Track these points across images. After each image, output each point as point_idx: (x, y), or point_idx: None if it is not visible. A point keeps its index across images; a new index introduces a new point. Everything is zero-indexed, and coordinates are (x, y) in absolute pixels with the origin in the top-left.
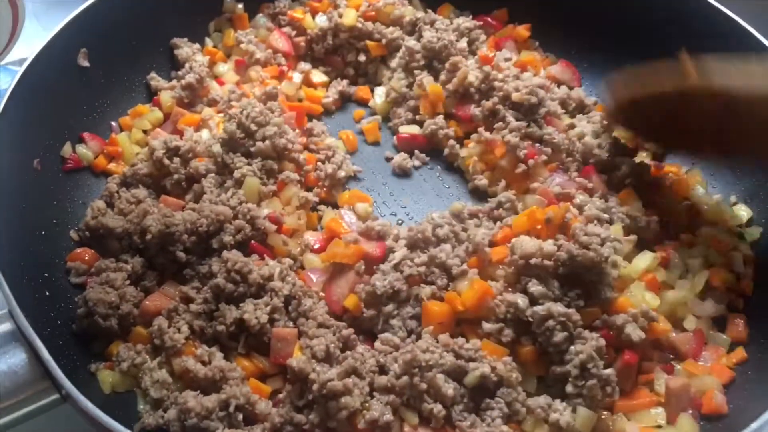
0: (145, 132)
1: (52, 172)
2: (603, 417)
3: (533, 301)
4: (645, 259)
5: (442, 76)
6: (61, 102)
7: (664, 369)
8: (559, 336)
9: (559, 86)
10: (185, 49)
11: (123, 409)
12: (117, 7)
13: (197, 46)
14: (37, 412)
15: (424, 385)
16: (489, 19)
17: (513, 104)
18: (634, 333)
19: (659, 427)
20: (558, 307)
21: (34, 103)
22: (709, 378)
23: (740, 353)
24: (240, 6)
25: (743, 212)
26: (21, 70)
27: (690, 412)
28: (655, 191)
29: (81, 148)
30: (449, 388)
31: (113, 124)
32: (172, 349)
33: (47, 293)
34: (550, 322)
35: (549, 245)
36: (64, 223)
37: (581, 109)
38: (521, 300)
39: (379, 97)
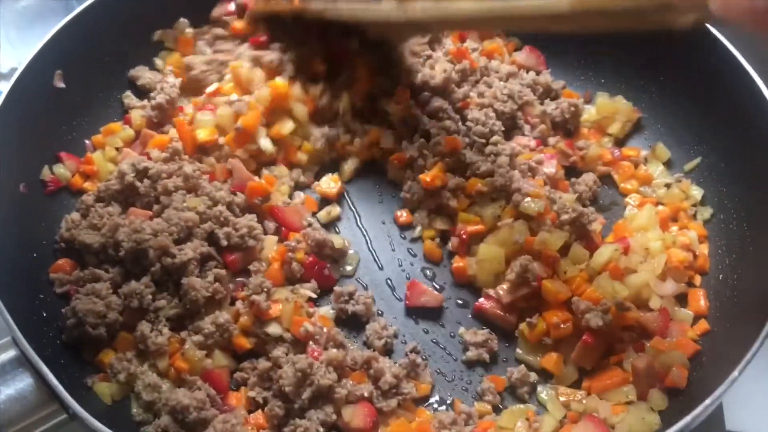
0: (117, 149)
1: (37, 194)
2: (577, 399)
3: None
4: (606, 251)
5: None
6: (41, 125)
7: (635, 348)
8: None
9: (527, 72)
10: (146, 76)
11: (124, 417)
12: (89, 27)
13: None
14: None
15: None
16: None
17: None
18: (593, 320)
19: (630, 402)
20: None
21: (16, 129)
22: (675, 353)
23: (703, 325)
24: (188, 30)
25: (696, 192)
26: (1, 98)
27: (658, 387)
28: None
29: (59, 168)
30: None
31: (87, 142)
32: (157, 353)
33: (44, 314)
34: None
35: None
36: (51, 244)
37: (548, 93)
38: None
39: None
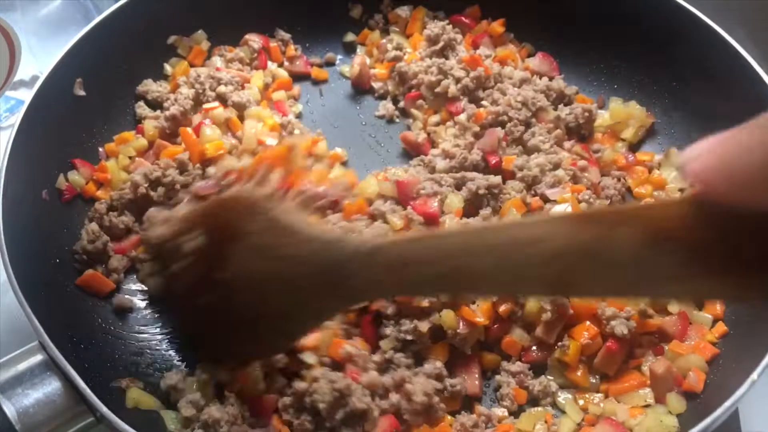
0: (131, 158)
1: (58, 201)
2: (595, 402)
3: None
4: None
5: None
6: (62, 132)
7: (654, 352)
8: None
9: (540, 78)
10: (154, 90)
11: (151, 420)
12: (109, 35)
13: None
14: None
15: None
16: (463, 18)
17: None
18: (619, 328)
19: (647, 405)
20: None
21: (39, 136)
22: (693, 357)
23: (721, 328)
24: (205, 43)
25: None
26: (25, 106)
27: (676, 390)
28: None
29: (73, 175)
30: None
31: (101, 150)
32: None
33: (66, 318)
34: None
35: None
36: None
37: (561, 99)
38: None
39: None
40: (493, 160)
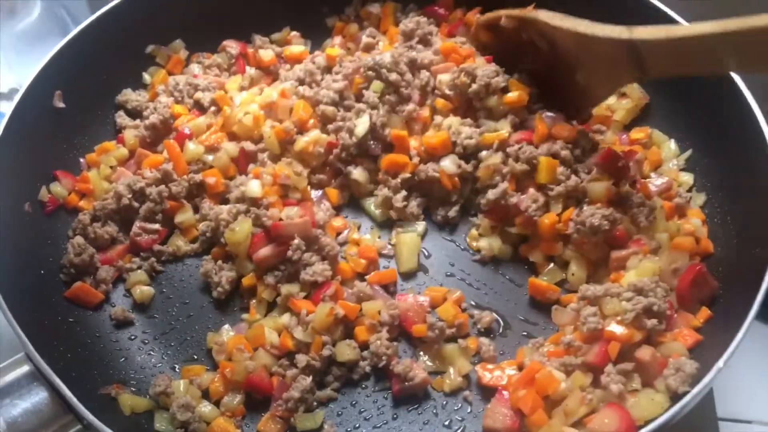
0: (112, 168)
1: (41, 213)
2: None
3: None
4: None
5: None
6: (43, 144)
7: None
8: None
9: None
10: (134, 99)
11: (138, 427)
12: (86, 47)
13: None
14: None
15: None
16: (436, 8)
17: None
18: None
19: (635, 390)
20: None
21: (20, 148)
22: (675, 344)
23: (705, 312)
24: (183, 51)
25: (686, 177)
26: (5, 119)
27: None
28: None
29: (55, 186)
30: None
31: (82, 160)
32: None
33: (53, 329)
34: None
35: None
36: (57, 260)
37: None
38: None
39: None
40: None
